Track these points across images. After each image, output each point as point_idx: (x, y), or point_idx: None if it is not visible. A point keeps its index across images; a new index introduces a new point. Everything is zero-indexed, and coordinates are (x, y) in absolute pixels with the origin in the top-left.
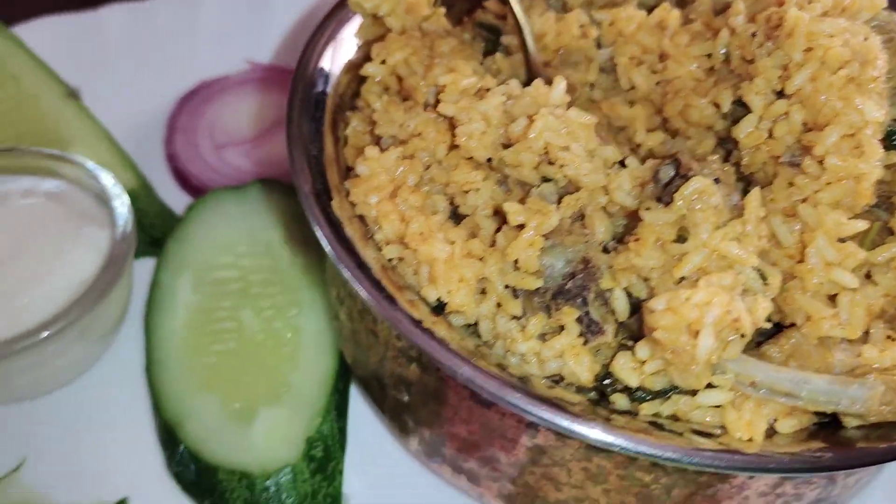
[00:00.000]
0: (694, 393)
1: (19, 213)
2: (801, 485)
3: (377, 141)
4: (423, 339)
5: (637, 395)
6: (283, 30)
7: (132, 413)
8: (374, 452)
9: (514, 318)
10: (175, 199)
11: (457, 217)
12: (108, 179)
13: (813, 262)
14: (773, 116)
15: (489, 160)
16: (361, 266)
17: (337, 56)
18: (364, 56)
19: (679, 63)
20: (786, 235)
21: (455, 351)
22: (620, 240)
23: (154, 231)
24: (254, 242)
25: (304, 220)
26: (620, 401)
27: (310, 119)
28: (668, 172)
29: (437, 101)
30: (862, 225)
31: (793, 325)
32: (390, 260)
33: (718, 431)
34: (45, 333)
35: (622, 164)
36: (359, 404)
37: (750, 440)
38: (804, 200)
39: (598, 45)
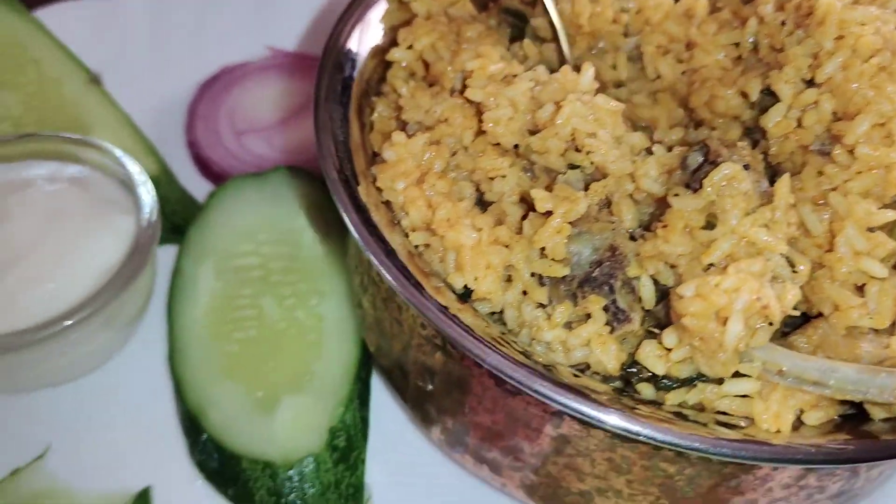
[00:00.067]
0: (720, 381)
1: (44, 198)
2: (824, 477)
3: (403, 127)
4: (449, 326)
5: (663, 383)
6: (304, 16)
7: (155, 401)
8: (396, 442)
9: (540, 305)
10: (196, 185)
11: (482, 204)
12: (133, 166)
13: (842, 252)
14: (802, 105)
15: (516, 146)
16: (388, 252)
17: (363, 41)
18: (390, 41)
19: (706, 52)
20: (815, 224)
21: (482, 338)
22: (647, 227)
23: (175, 218)
24: (274, 230)
25: (325, 206)
26: (646, 390)
27: (337, 104)
28: (696, 159)
29: (464, 87)
30: (892, 214)
31: (820, 315)
32: (417, 246)
33: (743, 423)
34: (71, 321)
35: (649, 151)
36: (380, 393)
37: (777, 432)
38: (833, 189)
39: (625, 34)
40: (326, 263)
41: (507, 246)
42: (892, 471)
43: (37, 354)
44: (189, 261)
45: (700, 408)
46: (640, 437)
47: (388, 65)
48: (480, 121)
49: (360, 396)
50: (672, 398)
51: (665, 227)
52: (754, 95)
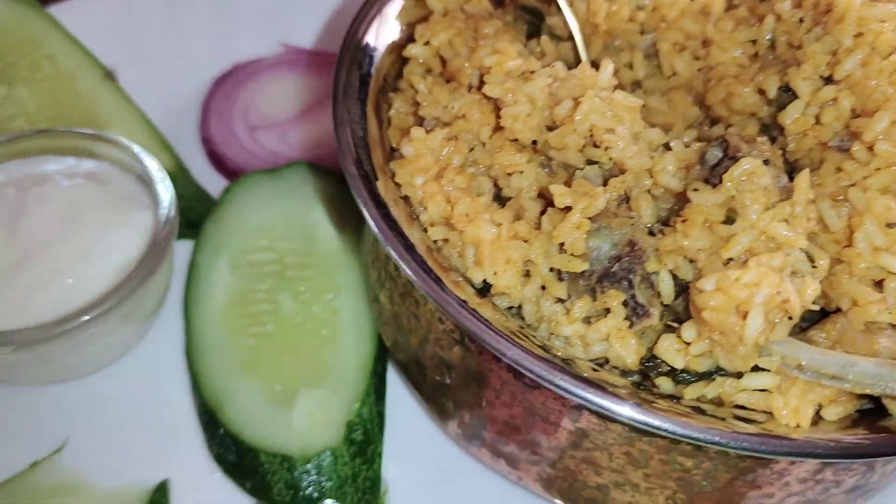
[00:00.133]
0: (739, 375)
1: (62, 193)
2: (840, 471)
3: (420, 122)
4: (470, 320)
5: (681, 377)
6: (317, 13)
7: (173, 395)
8: (412, 436)
9: (559, 300)
10: (210, 181)
11: (500, 199)
12: (151, 162)
13: (861, 247)
14: (820, 102)
15: (534, 142)
16: (408, 247)
17: (380, 37)
18: (407, 37)
19: (723, 49)
20: (834, 220)
21: (502, 332)
22: (665, 222)
23: (191, 213)
24: (289, 225)
25: (340, 202)
26: (665, 384)
27: (355, 100)
28: (715, 154)
29: (481, 83)
30: None
31: (838, 310)
32: (435, 241)
33: (761, 418)
34: (90, 316)
35: (666, 147)
36: (395, 388)
37: (797, 426)
38: (852, 185)
39: (641, 31)
40: (341, 259)
41: (525, 241)
42: None
43: (56, 349)
44: (205, 256)
45: (718, 402)
46: (662, 432)
47: (404, 61)
48: (498, 117)
49: (377, 391)
50: (691, 392)
51: (684, 221)
52: (772, 92)
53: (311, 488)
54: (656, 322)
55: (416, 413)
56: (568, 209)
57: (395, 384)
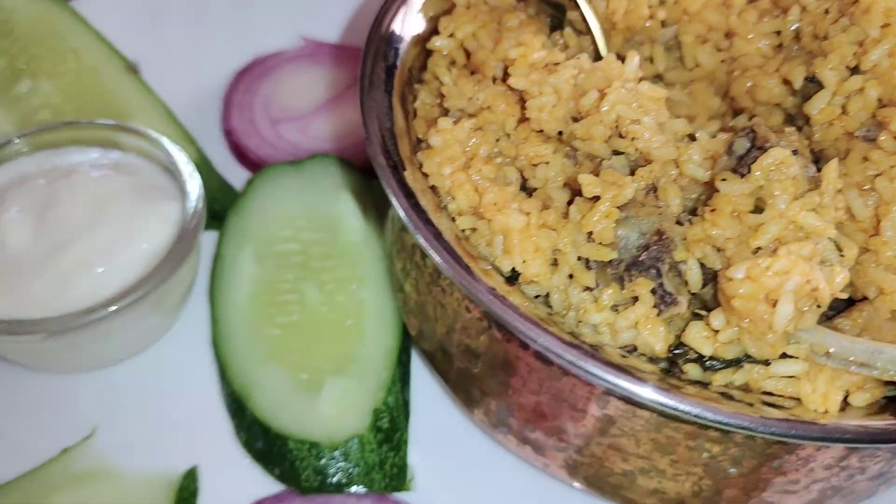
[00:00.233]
0: (767, 363)
1: (91, 184)
2: (866, 458)
3: (445, 114)
4: (500, 307)
5: (709, 364)
6: (338, 7)
7: (201, 383)
8: (437, 423)
9: (587, 289)
10: (232, 173)
11: (525, 190)
12: (178, 153)
13: (888, 236)
14: (846, 92)
15: (559, 133)
16: (437, 236)
17: (405, 29)
18: (431, 30)
19: (746, 41)
20: (860, 209)
21: (533, 319)
22: (692, 212)
23: (214, 205)
24: (312, 216)
25: (362, 193)
26: (693, 370)
27: (381, 92)
28: (743, 144)
29: (506, 75)
30: None
31: (864, 299)
32: (463, 230)
33: (789, 404)
34: (120, 305)
35: (691, 137)
36: (420, 376)
37: (825, 412)
38: (879, 175)
39: (663, 24)
40: (365, 249)
41: (554, 230)
42: None
43: (86, 337)
44: (230, 247)
45: (746, 388)
46: (692, 417)
47: (428, 53)
48: (523, 108)
49: (402, 379)
50: (719, 379)
51: (713, 211)
52: (798, 83)
53: (339, 474)
54: (684, 310)
55: (439, 401)
56: (596, 199)
57: (419, 373)
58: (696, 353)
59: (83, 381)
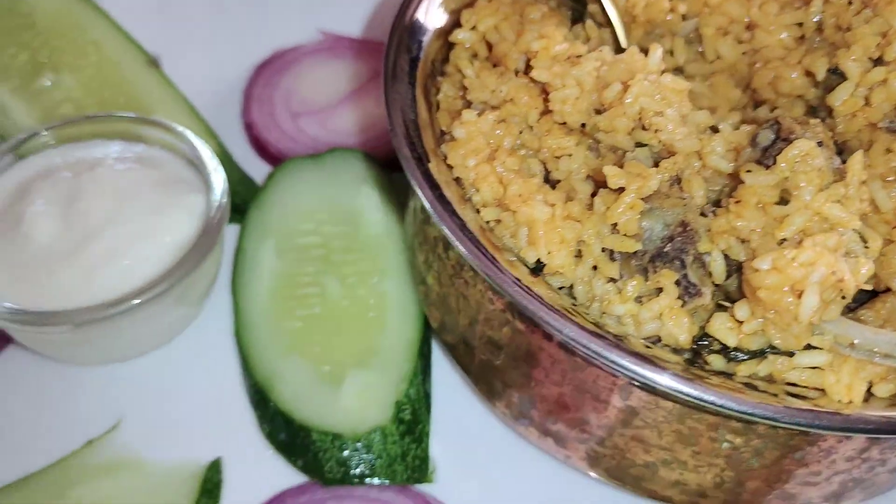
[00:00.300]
0: (791, 354)
1: (116, 176)
2: (886, 450)
3: (468, 106)
4: (527, 298)
5: (733, 354)
6: (356, 1)
7: (225, 375)
8: (458, 415)
9: (611, 280)
10: (253, 166)
11: (548, 182)
12: (202, 146)
13: None
14: (870, 84)
15: (582, 125)
16: (462, 227)
17: (428, 22)
18: (453, 23)
19: (768, 32)
20: (884, 200)
21: (559, 309)
22: (716, 203)
23: (235, 198)
24: (333, 210)
25: (382, 187)
26: (717, 361)
27: (405, 84)
28: (767, 136)
29: (528, 68)
30: None
31: (887, 290)
32: (488, 222)
33: (812, 394)
34: (145, 298)
35: (714, 129)
36: (440, 368)
37: (849, 402)
38: None
39: (683, 18)
40: (385, 242)
41: (578, 221)
42: None
43: (110, 329)
44: (251, 240)
45: (770, 379)
46: (718, 408)
47: (450, 46)
48: (546, 100)
49: (423, 371)
50: (743, 370)
51: (738, 202)
52: (821, 75)
53: (361, 466)
54: (708, 301)
55: (460, 392)
56: (620, 190)
57: (439, 365)
58: (720, 344)
59: (108, 373)
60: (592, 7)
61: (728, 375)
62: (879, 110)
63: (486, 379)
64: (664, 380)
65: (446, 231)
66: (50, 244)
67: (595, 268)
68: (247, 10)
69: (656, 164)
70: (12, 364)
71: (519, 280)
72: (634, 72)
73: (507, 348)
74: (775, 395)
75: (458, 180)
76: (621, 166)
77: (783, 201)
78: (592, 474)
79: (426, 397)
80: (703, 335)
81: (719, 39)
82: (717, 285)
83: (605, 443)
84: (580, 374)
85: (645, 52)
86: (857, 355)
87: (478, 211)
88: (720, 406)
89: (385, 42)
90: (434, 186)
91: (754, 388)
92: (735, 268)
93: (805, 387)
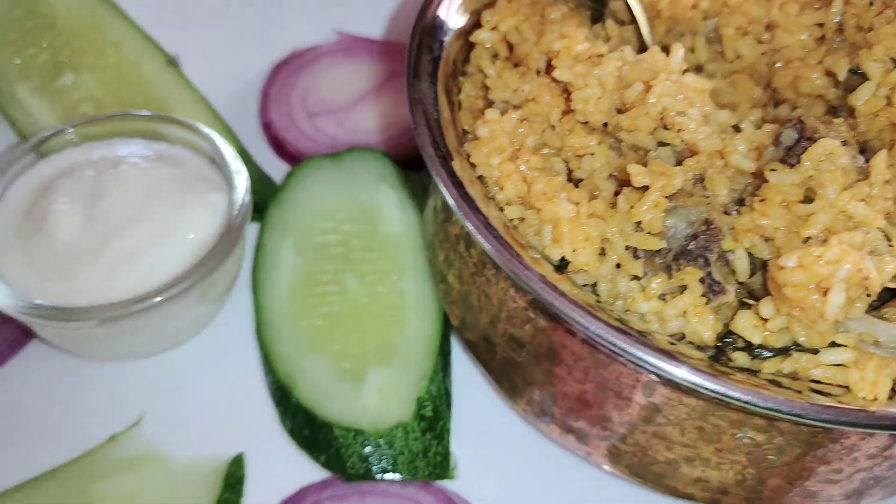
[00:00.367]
0: (815, 351)
1: (139, 174)
2: None
3: (490, 106)
4: (552, 295)
5: (757, 352)
6: (372, 2)
7: (246, 371)
8: (478, 412)
9: (635, 278)
10: (271, 165)
11: (571, 181)
12: (224, 144)
13: None
14: (891, 84)
15: (604, 125)
16: (487, 225)
17: (449, 22)
18: (474, 23)
19: (788, 32)
20: None
21: (584, 307)
22: (739, 202)
23: (254, 196)
24: (352, 209)
25: (401, 186)
26: (741, 358)
27: (427, 83)
28: (791, 135)
29: (549, 67)
30: None
31: None
32: (512, 220)
33: (837, 391)
34: (168, 294)
35: (736, 128)
36: (460, 366)
37: (874, 399)
38: None
39: (704, 17)
40: (404, 241)
41: (602, 219)
42: None
43: (134, 325)
44: (271, 238)
45: (794, 376)
46: (744, 405)
47: (471, 46)
48: (567, 100)
49: (443, 368)
50: (768, 367)
51: (762, 201)
52: (842, 75)
53: (383, 462)
54: (732, 299)
55: (480, 389)
56: (644, 189)
57: (460, 362)
58: (745, 341)
59: (131, 369)
60: (614, 4)
61: (752, 372)
62: None
63: (508, 376)
64: (690, 376)
65: (471, 228)
66: (73, 241)
67: (619, 265)
68: (264, 10)
69: (679, 163)
70: (35, 359)
71: (544, 277)
72: (656, 71)
73: (529, 345)
74: (800, 392)
75: (480, 179)
76: (644, 165)
77: (807, 200)
78: (614, 471)
79: (447, 394)
80: (728, 332)
81: (739, 39)
82: (740, 283)
83: (626, 440)
84: (603, 370)
85: (666, 51)
86: (881, 353)
87: (501, 209)
88: (745, 402)
89: (405, 42)
90: (458, 184)
91: (779, 384)
92: (759, 265)
93: (829, 384)
